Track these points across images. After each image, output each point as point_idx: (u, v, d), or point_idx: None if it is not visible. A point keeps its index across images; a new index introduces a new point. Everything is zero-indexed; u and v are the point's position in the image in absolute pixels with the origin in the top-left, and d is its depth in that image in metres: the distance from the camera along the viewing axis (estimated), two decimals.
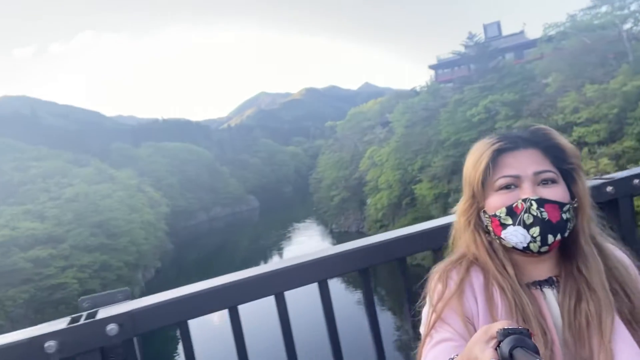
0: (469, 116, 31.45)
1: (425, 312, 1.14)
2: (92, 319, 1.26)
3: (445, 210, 33.36)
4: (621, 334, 1.03)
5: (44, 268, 33.99)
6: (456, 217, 1.21)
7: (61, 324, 1.25)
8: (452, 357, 0.96)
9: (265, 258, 43.20)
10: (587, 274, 1.08)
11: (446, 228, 1.30)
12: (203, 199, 74.31)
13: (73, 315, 1.32)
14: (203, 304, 1.37)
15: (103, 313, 1.29)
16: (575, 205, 1.11)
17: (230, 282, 1.40)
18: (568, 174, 1.13)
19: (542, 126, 1.15)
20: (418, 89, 49.42)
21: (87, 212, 42.17)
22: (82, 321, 1.25)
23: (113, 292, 1.51)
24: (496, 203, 1.10)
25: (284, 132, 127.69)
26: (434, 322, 1.07)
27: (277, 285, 1.45)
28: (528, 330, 0.82)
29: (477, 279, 1.12)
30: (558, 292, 1.11)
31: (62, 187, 45.39)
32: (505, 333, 0.82)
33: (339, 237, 51.27)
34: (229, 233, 63.38)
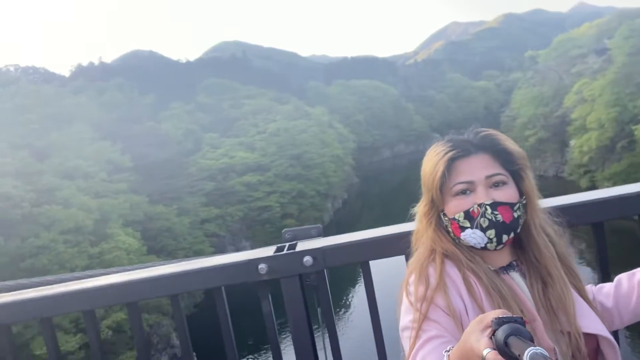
0: None
1: (405, 313, 1.17)
2: (292, 250, 1.52)
3: None
4: (581, 308, 1.20)
5: (254, 192, 40.06)
6: (417, 218, 1.30)
7: (269, 251, 1.55)
8: (447, 349, 0.99)
9: None
10: (544, 262, 1.22)
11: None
12: (387, 135, 75.74)
13: (278, 245, 1.61)
14: (383, 249, 1.51)
15: (301, 246, 1.55)
16: (524, 202, 1.21)
17: (408, 231, 1.50)
18: (516, 174, 1.22)
19: (491, 131, 1.24)
20: None
21: (287, 145, 47.33)
22: (285, 251, 1.53)
23: (308, 227, 1.78)
24: (455, 208, 1.20)
25: (475, 65, 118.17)
26: (421, 322, 1.11)
27: None
28: (522, 318, 0.83)
29: (453, 271, 1.19)
30: (521, 273, 1.24)
31: (267, 122, 51.58)
32: (499, 322, 0.83)
33: None
34: (411, 170, 63.15)
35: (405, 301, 1.18)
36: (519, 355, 0.76)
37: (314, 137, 50.94)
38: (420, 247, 1.27)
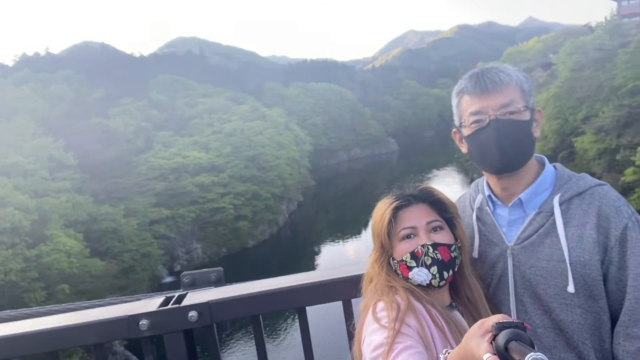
0: None
1: (378, 335, 1.21)
2: (177, 305, 1.44)
3: (610, 169, 29.06)
4: None
5: (207, 193, 39.14)
6: (369, 264, 1.42)
7: (153, 305, 1.46)
8: (443, 352, 1.02)
9: None
10: (474, 301, 1.38)
11: None
12: (344, 139, 76.32)
13: (167, 295, 1.53)
14: (273, 302, 1.46)
15: (188, 300, 1.47)
16: (458, 245, 1.38)
17: (300, 285, 1.47)
18: (450, 221, 1.40)
19: (427, 186, 1.43)
20: (593, 25, 42.21)
21: (243, 146, 46.61)
22: (170, 305, 1.45)
23: (208, 270, 1.70)
24: (402, 250, 1.35)
25: (430, 73, 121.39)
26: (395, 336, 1.18)
27: (343, 292, 1.47)
28: (523, 323, 0.83)
29: (415, 303, 1.30)
30: (460, 312, 1.39)
31: (223, 122, 50.58)
32: (500, 327, 0.83)
33: None
34: (367, 174, 64.68)
35: (374, 325, 1.24)
36: None
37: (270, 138, 50.53)
38: (375, 287, 1.38)
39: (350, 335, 1.51)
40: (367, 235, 37.39)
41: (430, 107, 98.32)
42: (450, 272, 1.34)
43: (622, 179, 25.65)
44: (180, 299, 1.49)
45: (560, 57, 38.60)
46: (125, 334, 1.41)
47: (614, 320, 1.33)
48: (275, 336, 21.22)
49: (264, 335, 1.50)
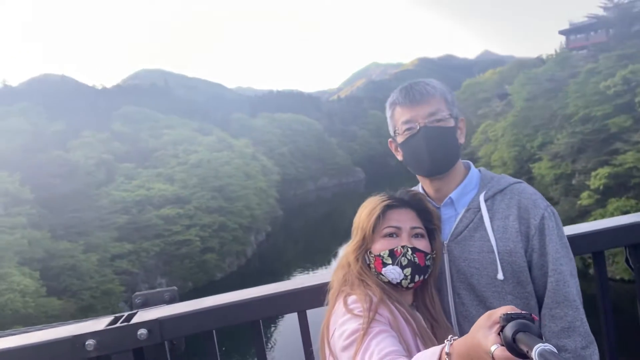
0: (603, 88, 27.75)
1: (352, 324, 1.25)
2: (126, 323, 1.40)
3: (567, 194, 30.27)
4: None
5: (172, 225, 38.15)
6: (346, 253, 1.48)
7: (101, 324, 1.41)
8: (450, 340, 1.04)
9: None
10: (433, 309, 1.46)
11: None
12: (311, 168, 76.73)
13: (116, 315, 1.48)
14: (226, 316, 1.44)
15: (137, 317, 1.43)
16: (433, 255, 1.46)
17: (253, 298, 1.45)
18: (432, 233, 1.49)
19: (419, 192, 1.55)
20: (544, 57, 44.76)
21: (209, 177, 46.01)
22: (118, 324, 1.41)
23: (162, 290, 1.66)
24: (382, 246, 1.42)
25: None
26: (370, 322, 1.23)
27: (298, 303, 1.46)
28: (531, 314, 0.84)
29: (386, 298, 1.35)
30: (420, 313, 1.45)
31: (188, 153, 49.93)
32: (508, 318, 0.83)
33: None
34: (335, 203, 64.87)
35: (347, 316, 1.28)
36: (528, 352, 0.75)
37: (237, 169, 50.17)
38: (345, 277, 1.42)
39: (306, 347, 1.50)
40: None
41: None
42: (422, 277, 1.40)
43: (579, 202, 26.71)
44: (130, 317, 1.45)
45: (515, 87, 40.48)
46: (70, 356, 1.35)
47: (540, 305, 1.44)
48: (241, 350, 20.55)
49: (218, 351, 1.47)
